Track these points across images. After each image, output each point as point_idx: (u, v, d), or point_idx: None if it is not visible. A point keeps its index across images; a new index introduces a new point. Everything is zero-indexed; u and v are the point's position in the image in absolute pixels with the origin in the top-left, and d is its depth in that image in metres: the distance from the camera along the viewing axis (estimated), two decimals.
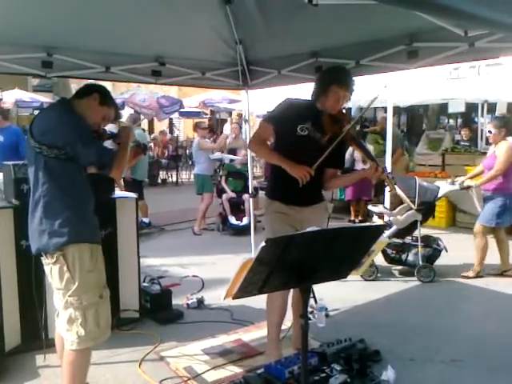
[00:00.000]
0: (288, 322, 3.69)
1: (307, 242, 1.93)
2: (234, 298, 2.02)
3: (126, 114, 10.75)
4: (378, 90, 7.64)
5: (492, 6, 2.03)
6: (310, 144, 3.22)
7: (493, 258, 5.78)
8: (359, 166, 7.92)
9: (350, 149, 8.02)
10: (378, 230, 2.28)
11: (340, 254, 2.10)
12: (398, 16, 3.00)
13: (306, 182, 3.09)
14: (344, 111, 3.41)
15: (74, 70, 4.41)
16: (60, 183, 2.64)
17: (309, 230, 1.93)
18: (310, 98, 3.36)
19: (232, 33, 4.45)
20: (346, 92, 3.22)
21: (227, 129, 13.06)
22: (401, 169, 9.23)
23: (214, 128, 18.05)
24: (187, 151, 17.32)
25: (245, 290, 1.98)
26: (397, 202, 9.00)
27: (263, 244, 1.80)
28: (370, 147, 7.67)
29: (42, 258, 2.71)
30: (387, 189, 3.29)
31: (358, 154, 8.09)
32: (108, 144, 3.01)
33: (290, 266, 1.99)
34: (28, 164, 2.77)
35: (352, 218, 9.02)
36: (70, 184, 2.67)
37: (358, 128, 9.83)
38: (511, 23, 1.95)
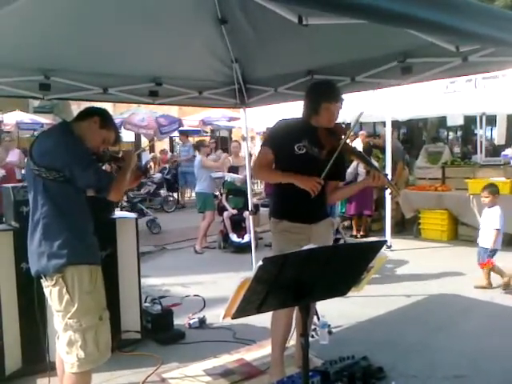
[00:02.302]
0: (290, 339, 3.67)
1: (304, 261, 1.93)
2: (232, 318, 2.02)
3: (123, 135, 10.76)
4: (375, 105, 7.71)
5: (482, 21, 2.06)
6: (310, 161, 3.23)
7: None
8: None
9: (354, 163, 8.12)
10: (376, 246, 2.27)
11: (338, 271, 2.09)
12: (391, 33, 3.04)
13: (315, 195, 3.09)
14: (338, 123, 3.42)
15: (72, 91, 4.45)
16: (59, 205, 2.65)
17: (305, 248, 1.93)
18: (301, 116, 3.38)
19: (228, 52, 4.49)
20: (336, 104, 3.21)
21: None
22: (401, 183, 9.25)
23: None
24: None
25: (243, 310, 1.97)
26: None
27: (260, 263, 1.81)
28: (374, 163, 7.71)
29: (41, 280, 2.71)
30: (389, 194, 3.31)
31: (361, 169, 8.13)
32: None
33: (287, 285, 1.98)
34: (27, 186, 2.79)
35: (354, 233, 9.00)
36: (68, 205, 2.68)
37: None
38: (501, 38, 1.98)
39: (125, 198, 9.93)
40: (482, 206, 6.02)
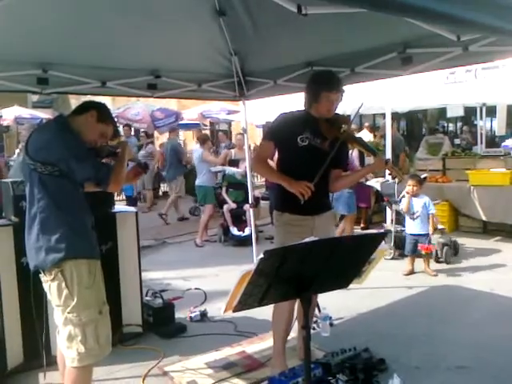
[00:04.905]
0: (292, 332, 3.66)
1: (305, 253, 1.92)
2: (234, 311, 2.01)
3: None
4: (375, 96, 7.68)
5: (483, 10, 2.03)
6: (313, 152, 3.24)
7: None
8: None
9: None
10: (377, 238, 2.26)
11: (339, 263, 2.08)
12: (390, 23, 3.01)
13: (311, 194, 3.08)
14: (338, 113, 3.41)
15: (70, 85, 4.42)
16: (55, 199, 2.63)
17: (306, 240, 1.91)
18: (302, 108, 3.38)
19: (227, 44, 4.46)
20: (336, 94, 3.22)
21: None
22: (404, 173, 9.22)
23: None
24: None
25: (245, 303, 1.96)
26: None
27: (261, 256, 1.79)
28: None
29: (40, 275, 2.70)
30: (393, 179, 3.34)
31: (355, 162, 8.10)
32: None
33: (289, 277, 1.97)
34: (24, 181, 2.77)
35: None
36: (65, 200, 2.67)
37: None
38: (502, 27, 1.95)
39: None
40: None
